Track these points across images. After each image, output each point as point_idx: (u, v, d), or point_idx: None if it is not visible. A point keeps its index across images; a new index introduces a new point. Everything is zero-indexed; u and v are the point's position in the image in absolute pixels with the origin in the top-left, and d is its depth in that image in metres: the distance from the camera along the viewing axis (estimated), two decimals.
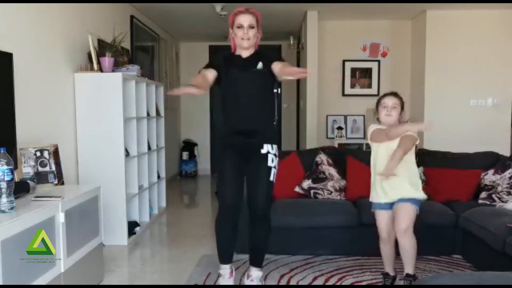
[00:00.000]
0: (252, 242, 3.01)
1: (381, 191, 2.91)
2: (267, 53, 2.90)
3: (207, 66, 2.88)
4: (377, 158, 2.93)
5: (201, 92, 2.55)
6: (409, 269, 2.89)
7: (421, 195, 2.90)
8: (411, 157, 2.89)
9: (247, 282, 3.03)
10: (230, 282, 2.99)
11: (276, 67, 2.75)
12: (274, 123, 2.98)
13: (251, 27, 2.77)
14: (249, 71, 2.80)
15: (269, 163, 2.83)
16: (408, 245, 2.85)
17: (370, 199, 3.02)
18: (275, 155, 2.86)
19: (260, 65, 2.79)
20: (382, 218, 2.97)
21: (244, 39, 2.77)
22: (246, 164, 2.87)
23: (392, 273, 3.09)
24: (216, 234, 2.99)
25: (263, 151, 2.83)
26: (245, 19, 2.77)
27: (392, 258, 3.06)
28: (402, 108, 2.96)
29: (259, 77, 2.83)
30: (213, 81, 2.83)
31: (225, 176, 2.87)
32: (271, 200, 2.93)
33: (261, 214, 2.90)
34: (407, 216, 2.83)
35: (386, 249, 3.04)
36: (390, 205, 2.92)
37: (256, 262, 3.03)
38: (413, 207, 2.85)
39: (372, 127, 3.00)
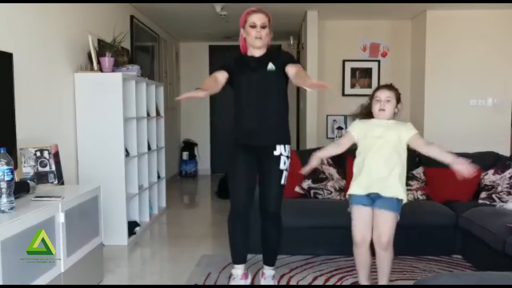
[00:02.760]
0: (264, 243, 3.03)
1: (368, 182, 2.71)
2: (279, 53, 2.92)
3: (219, 68, 2.87)
4: (365, 150, 2.77)
5: (209, 93, 2.57)
6: (384, 281, 2.78)
7: (405, 196, 2.73)
8: (404, 155, 2.75)
9: (261, 280, 3.06)
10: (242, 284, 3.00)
11: (291, 70, 2.75)
12: (287, 123, 2.96)
13: (264, 26, 2.78)
14: (261, 71, 2.80)
15: (281, 166, 2.84)
16: (388, 258, 2.74)
17: (350, 192, 2.80)
18: (287, 157, 2.86)
19: (270, 65, 2.79)
20: (361, 216, 2.75)
21: (257, 38, 2.77)
22: (259, 165, 2.88)
23: (368, 282, 2.88)
24: (229, 235, 2.99)
25: (276, 153, 2.83)
26: (258, 18, 2.77)
27: (368, 264, 2.84)
28: (398, 100, 2.80)
29: (271, 78, 2.83)
30: (225, 82, 2.83)
31: (237, 177, 2.87)
32: (281, 203, 2.93)
33: (272, 216, 2.93)
34: (389, 227, 2.68)
35: (361, 253, 2.80)
36: (371, 201, 2.72)
37: (269, 261, 3.06)
38: (395, 215, 2.69)
39: (352, 125, 2.87)
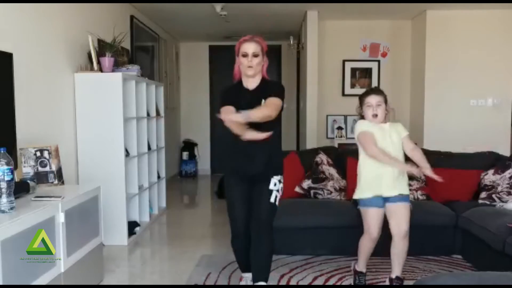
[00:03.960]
0: (255, 261, 2.87)
1: (378, 186, 2.84)
2: (273, 85, 2.86)
3: (224, 103, 2.82)
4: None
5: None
6: (398, 271, 2.91)
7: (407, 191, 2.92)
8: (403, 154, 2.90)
9: None
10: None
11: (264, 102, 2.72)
12: (280, 154, 2.96)
13: (255, 55, 2.77)
14: (255, 106, 2.70)
15: (271, 187, 2.82)
16: (406, 248, 2.85)
17: (358, 196, 2.91)
18: (279, 181, 2.85)
19: (263, 102, 2.74)
20: (375, 217, 2.88)
21: (249, 67, 2.77)
22: (251, 190, 2.87)
23: (364, 270, 3.09)
24: (234, 254, 3.05)
25: (271, 186, 2.83)
26: (249, 47, 2.76)
27: (370, 254, 3.04)
28: (386, 102, 2.92)
29: None
30: None
31: (234, 202, 2.90)
32: (272, 220, 2.87)
33: (262, 228, 2.82)
34: (407, 215, 2.83)
35: (370, 246, 2.97)
36: (381, 202, 2.86)
37: (261, 278, 2.85)
38: (408, 205, 2.85)
39: (360, 125, 2.92)
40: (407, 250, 2.88)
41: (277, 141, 2.91)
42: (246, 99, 2.76)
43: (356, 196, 2.95)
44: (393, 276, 2.94)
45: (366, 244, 2.98)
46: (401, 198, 2.85)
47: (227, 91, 2.93)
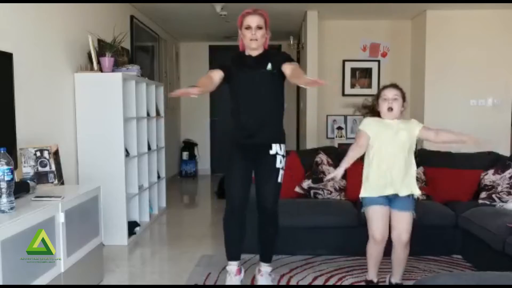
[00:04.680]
0: (261, 241, 3.06)
1: (384, 184, 2.76)
2: (277, 53, 2.95)
3: (216, 67, 2.89)
4: (380, 147, 2.78)
5: (202, 91, 2.60)
6: (398, 277, 2.91)
7: (418, 191, 2.85)
8: (413, 150, 2.83)
9: (258, 277, 3.08)
10: (237, 280, 3.03)
11: (287, 69, 2.76)
12: (282, 123, 2.99)
13: (259, 27, 2.80)
14: (259, 71, 2.83)
15: (277, 165, 2.88)
16: (406, 255, 2.84)
17: (364, 195, 2.84)
18: (283, 156, 2.90)
19: (269, 66, 2.82)
20: (379, 216, 2.78)
21: (253, 40, 2.80)
22: (255, 165, 2.92)
23: (376, 279, 2.96)
24: (224, 232, 3.03)
25: (272, 152, 2.87)
26: (252, 20, 2.79)
27: (379, 261, 2.92)
28: (404, 99, 2.84)
29: (269, 78, 2.85)
30: (221, 81, 2.86)
31: (233, 176, 2.92)
32: (278, 200, 2.97)
33: (269, 214, 2.96)
34: (409, 226, 2.78)
35: (378, 251, 2.86)
36: (388, 201, 2.79)
37: (266, 258, 3.09)
38: (411, 214, 2.79)
39: (363, 122, 2.86)
40: (407, 256, 2.87)
41: (280, 111, 2.97)
42: (249, 64, 2.84)
43: (361, 194, 2.85)
44: (393, 281, 2.93)
45: (372, 249, 2.88)
46: (406, 204, 2.77)
47: (227, 59, 2.96)
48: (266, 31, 2.86)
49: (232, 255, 3.04)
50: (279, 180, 2.90)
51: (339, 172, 2.80)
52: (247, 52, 2.90)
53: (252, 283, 3.16)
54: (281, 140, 2.92)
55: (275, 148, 2.87)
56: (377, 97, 2.87)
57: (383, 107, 2.80)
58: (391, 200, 2.81)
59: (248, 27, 2.80)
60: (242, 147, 2.90)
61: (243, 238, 3.04)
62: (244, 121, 2.88)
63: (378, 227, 2.80)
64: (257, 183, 2.95)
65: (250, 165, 2.92)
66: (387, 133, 2.79)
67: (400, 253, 2.83)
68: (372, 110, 2.90)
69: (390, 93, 2.81)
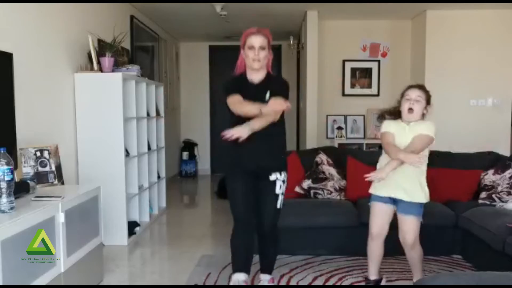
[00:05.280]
0: (261, 254, 3.03)
1: (391, 186, 2.76)
2: (277, 81, 2.85)
3: (232, 93, 2.77)
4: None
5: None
6: (418, 275, 2.92)
7: (425, 198, 2.80)
8: (426, 153, 2.77)
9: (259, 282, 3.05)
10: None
11: (270, 101, 2.68)
12: (284, 150, 2.94)
13: (262, 48, 2.74)
14: (259, 100, 2.69)
15: (277, 190, 2.81)
16: (417, 256, 2.86)
17: (371, 191, 2.87)
18: (283, 181, 2.84)
19: (267, 96, 2.72)
20: (378, 210, 2.83)
21: (255, 60, 2.73)
22: (255, 186, 2.83)
23: (374, 277, 2.98)
24: (232, 250, 2.92)
25: (272, 178, 2.81)
26: (256, 40, 2.73)
27: (379, 259, 2.95)
28: (428, 102, 2.78)
29: None
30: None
31: (236, 194, 2.84)
32: (277, 223, 2.90)
33: (267, 238, 2.93)
34: (413, 229, 2.78)
35: (374, 246, 2.90)
36: (393, 201, 2.81)
37: (266, 270, 3.04)
38: (417, 219, 2.79)
39: (385, 126, 2.83)
40: (420, 257, 2.87)
41: (282, 137, 2.90)
42: (250, 93, 2.74)
43: (370, 189, 2.88)
44: (414, 279, 2.95)
45: (369, 245, 2.93)
46: (409, 208, 2.76)
47: (231, 82, 2.87)
48: (269, 52, 2.79)
49: (240, 266, 2.92)
50: (278, 206, 2.84)
51: (386, 171, 2.68)
52: (248, 76, 2.82)
53: (252, 282, 3.16)
54: (281, 168, 2.84)
55: (275, 175, 2.80)
56: (401, 95, 2.84)
57: (404, 106, 2.77)
58: (396, 202, 2.82)
59: (251, 47, 2.73)
60: (241, 169, 2.83)
61: (252, 253, 2.94)
62: (243, 152, 2.77)
63: (375, 222, 2.87)
64: (256, 205, 2.86)
65: (251, 183, 2.83)
66: (398, 135, 2.77)
67: (408, 253, 2.86)
68: (397, 112, 2.86)
69: (413, 94, 2.76)
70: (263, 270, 3.05)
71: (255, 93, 2.74)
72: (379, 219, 2.87)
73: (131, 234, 4.24)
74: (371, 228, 2.89)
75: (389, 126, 2.85)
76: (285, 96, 2.73)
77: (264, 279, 3.03)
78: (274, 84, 2.80)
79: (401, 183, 2.76)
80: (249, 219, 2.84)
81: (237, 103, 2.70)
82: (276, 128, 2.80)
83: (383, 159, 2.86)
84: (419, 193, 2.78)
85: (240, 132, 2.56)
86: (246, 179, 2.82)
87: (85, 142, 4.00)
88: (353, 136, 6.61)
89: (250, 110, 2.62)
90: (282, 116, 2.82)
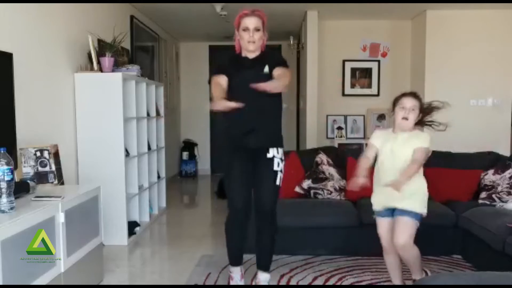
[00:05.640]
0: (258, 246, 2.99)
1: (384, 198, 2.77)
2: (273, 55, 2.87)
3: (217, 72, 2.83)
4: (382, 161, 2.78)
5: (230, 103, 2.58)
6: (416, 275, 2.86)
7: (424, 211, 2.76)
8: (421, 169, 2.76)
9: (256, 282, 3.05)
10: (242, 283, 3.03)
11: (275, 72, 2.72)
12: (280, 126, 2.94)
13: (257, 29, 2.74)
14: (256, 73, 2.75)
15: (275, 167, 2.83)
16: (409, 257, 2.79)
17: (373, 207, 2.88)
18: (281, 159, 2.85)
19: (266, 68, 2.76)
20: (382, 225, 2.84)
21: (250, 42, 2.74)
22: (253, 166, 2.86)
23: (400, 282, 2.96)
24: (226, 236, 2.98)
25: (269, 155, 2.82)
26: (250, 22, 2.73)
27: (398, 268, 2.92)
28: (421, 111, 2.79)
29: (265, 80, 2.74)
30: (227, 85, 2.81)
31: (233, 179, 2.85)
32: (276, 203, 2.91)
33: (267, 217, 2.90)
34: (406, 230, 2.71)
35: (389, 259, 2.91)
36: (391, 212, 2.79)
37: (264, 266, 3.01)
38: (412, 221, 2.72)
39: (372, 136, 2.84)
40: (416, 257, 2.81)
41: (278, 114, 2.91)
42: (246, 65, 2.78)
43: (372, 203, 2.89)
44: (412, 279, 2.91)
45: (384, 257, 2.92)
46: (406, 212, 2.73)
47: (221, 63, 2.90)
48: (264, 33, 2.80)
49: (235, 261, 3.01)
50: (277, 182, 2.84)
51: (358, 182, 2.69)
52: (244, 54, 2.85)
53: (252, 283, 3.16)
54: (277, 144, 2.86)
55: (272, 152, 2.82)
56: (394, 103, 2.80)
57: (398, 115, 2.74)
58: (393, 210, 2.79)
59: (246, 29, 2.74)
60: (238, 148, 2.84)
61: (245, 242, 2.99)
62: (240, 123, 2.79)
63: (382, 236, 2.86)
64: (254, 186, 2.88)
65: (249, 167, 2.85)
66: (390, 147, 2.75)
67: (401, 254, 2.81)
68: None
69: (409, 103, 2.73)
70: (260, 265, 3.01)
71: (251, 65, 2.77)
72: (384, 234, 2.84)
73: (131, 234, 4.24)
74: (383, 244, 2.87)
75: (377, 138, 2.83)
76: (286, 66, 2.78)
77: (263, 279, 3.01)
78: (272, 57, 2.82)
79: (391, 193, 2.68)
80: (245, 209, 2.85)
81: (213, 84, 2.74)
82: (273, 103, 2.83)
83: (376, 168, 2.84)
84: (412, 203, 2.73)
85: (269, 86, 2.54)
86: (243, 158, 2.82)
87: (85, 142, 4.00)
88: (353, 136, 6.62)
89: (215, 94, 2.63)
90: (279, 94, 2.83)
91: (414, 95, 2.80)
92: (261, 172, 2.84)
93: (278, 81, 2.63)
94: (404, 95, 2.79)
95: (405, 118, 2.72)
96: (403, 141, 2.74)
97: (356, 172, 2.74)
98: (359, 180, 2.68)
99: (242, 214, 2.87)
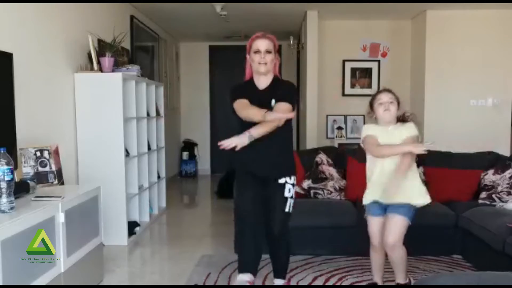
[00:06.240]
0: (273, 259, 2.98)
1: (376, 192, 2.78)
2: (281, 87, 2.81)
3: (237, 96, 2.76)
4: (372, 159, 2.81)
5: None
6: (400, 279, 2.85)
7: (418, 201, 2.76)
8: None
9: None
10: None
11: (274, 108, 2.67)
12: (292, 155, 2.92)
13: (268, 51, 2.73)
14: (265, 106, 2.66)
15: (286, 194, 2.79)
16: (397, 257, 2.78)
17: (364, 202, 2.88)
18: (292, 184, 2.81)
19: (273, 102, 2.71)
20: (374, 224, 2.85)
21: (261, 64, 2.72)
22: (264, 190, 2.81)
23: (380, 282, 2.98)
24: (239, 251, 2.92)
25: (281, 181, 2.79)
26: (261, 44, 2.72)
27: (382, 267, 2.95)
28: (399, 103, 2.83)
29: None
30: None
31: (244, 195, 2.82)
32: (287, 226, 2.87)
33: (277, 242, 2.89)
34: (396, 229, 2.71)
35: (376, 257, 2.92)
36: (384, 210, 2.80)
37: (280, 275, 2.99)
38: (404, 219, 2.72)
39: (365, 129, 2.86)
40: (403, 258, 2.79)
41: (288, 142, 2.90)
42: (256, 99, 2.72)
43: (363, 201, 2.90)
44: (395, 282, 2.91)
45: (371, 254, 2.94)
46: (398, 209, 2.72)
47: (238, 87, 2.85)
48: (275, 56, 2.78)
49: (245, 267, 2.87)
50: (287, 209, 2.80)
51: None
52: (256, 83, 2.81)
53: (264, 283, 3.14)
54: (288, 173, 2.81)
55: (284, 178, 2.79)
56: (371, 103, 2.86)
57: (379, 110, 2.80)
58: (385, 207, 2.79)
59: (257, 51, 2.72)
60: (249, 172, 2.81)
61: (260, 255, 2.90)
62: (250, 158, 2.75)
63: (372, 235, 2.87)
64: (265, 210, 2.83)
65: (260, 188, 2.81)
66: (384, 138, 2.77)
67: (389, 254, 2.80)
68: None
69: (385, 97, 2.80)
70: (276, 274, 3.00)
71: (260, 99, 2.72)
72: (375, 232, 2.85)
73: (131, 234, 4.24)
74: (372, 241, 2.88)
75: (370, 129, 2.85)
76: (290, 102, 2.72)
77: (278, 284, 2.99)
78: (280, 89, 2.77)
79: (384, 187, 2.71)
80: (256, 218, 2.81)
81: (243, 107, 2.68)
82: (284, 132, 2.79)
83: (370, 163, 2.84)
84: (417, 194, 2.76)
85: (237, 142, 2.54)
86: (255, 184, 2.80)
87: (85, 142, 4.00)
88: (353, 136, 6.61)
89: (254, 114, 2.59)
90: (289, 120, 2.80)
91: (388, 90, 2.86)
92: (271, 197, 2.80)
93: (260, 127, 2.60)
94: (378, 92, 2.86)
95: (387, 110, 2.78)
96: (390, 133, 2.78)
97: (394, 149, 2.70)
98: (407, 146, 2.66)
99: (253, 225, 2.82)
